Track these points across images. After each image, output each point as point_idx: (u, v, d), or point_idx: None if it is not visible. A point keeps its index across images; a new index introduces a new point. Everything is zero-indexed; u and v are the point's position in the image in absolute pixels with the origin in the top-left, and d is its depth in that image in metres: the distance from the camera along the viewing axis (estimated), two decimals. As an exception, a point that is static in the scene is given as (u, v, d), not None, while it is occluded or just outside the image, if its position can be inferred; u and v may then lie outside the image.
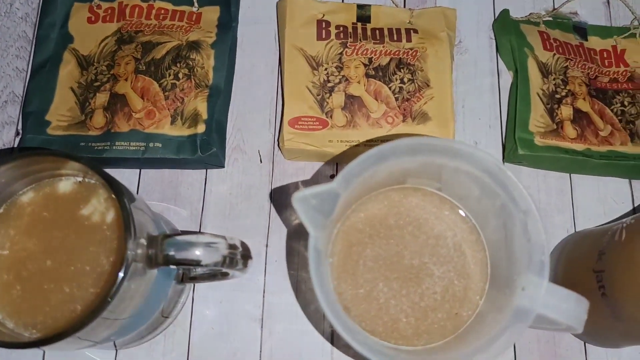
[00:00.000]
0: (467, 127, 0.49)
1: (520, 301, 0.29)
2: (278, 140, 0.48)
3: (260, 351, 0.43)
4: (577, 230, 0.47)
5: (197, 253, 0.33)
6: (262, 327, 0.44)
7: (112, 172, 0.46)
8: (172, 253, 0.32)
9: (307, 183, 0.47)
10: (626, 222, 0.36)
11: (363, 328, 0.34)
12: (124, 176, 0.47)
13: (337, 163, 0.48)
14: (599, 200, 0.48)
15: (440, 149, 0.30)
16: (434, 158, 0.31)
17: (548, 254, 0.29)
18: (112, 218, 0.33)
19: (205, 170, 0.47)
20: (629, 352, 0.44)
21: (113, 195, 0.30)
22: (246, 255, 0.35)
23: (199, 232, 0.34)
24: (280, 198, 0.47)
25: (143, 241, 0.31)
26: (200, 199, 0.47)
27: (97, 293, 0.31)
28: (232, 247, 0.34)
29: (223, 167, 0.47)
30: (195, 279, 0.41)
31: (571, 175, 0.48)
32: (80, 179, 0.34)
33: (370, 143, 0.45)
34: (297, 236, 0.46)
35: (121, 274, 0.29)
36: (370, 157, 0.30)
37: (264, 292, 0.45)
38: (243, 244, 0.35)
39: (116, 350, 0.43)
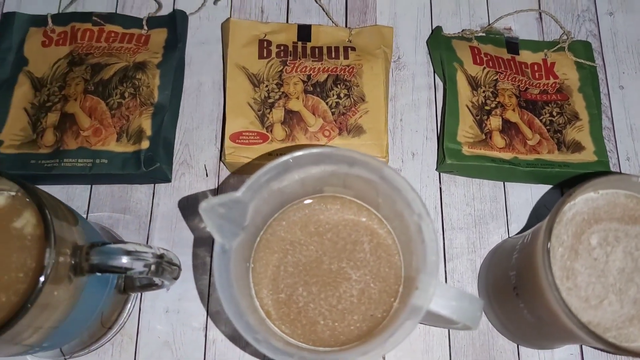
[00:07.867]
0: (405, 140, 0.51)
1: (414, 300, 0.30)
2: (221, 154, 0.50)
3: (204, 358, 0.45)
4: (510, 236, 0.48)
5: (124, 261, 0.34)
6: (205, 335, 0.46)
7: (63, 188, 0.50)
8: (96, 262, 0.34)
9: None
10: (537, 225, 0.38)
11: (283, 331, 0.36)
12: (76, 192, 0.49)
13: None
14: (532, 207, 0.49)
15: (338, 157, 0.32)
16: (337, 167, 0.33)
17: (439, 254, 0.30)
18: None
19: (153, 184, 0.50)
20: (561, 353, 0.45)
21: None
22: (173, 264, 0.37)
23: (127, 242, 0.36)
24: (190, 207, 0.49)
25: (66, 250, 0.33)
26: (148, 213, 0.49)
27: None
28: (158, 256, 0.36)
29: (170, 181, 0.49)
30: (133, 288, 0.43)
31: (505, 183, 0.50)
32: (13, 193, 0.36)
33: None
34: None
35: (41, 282, 0.31)
36: (273, 167, 0.32)
37: (208, 301, 0.46)
38: (169, 253, 0.37)
39: (64, 358, 0.45)
